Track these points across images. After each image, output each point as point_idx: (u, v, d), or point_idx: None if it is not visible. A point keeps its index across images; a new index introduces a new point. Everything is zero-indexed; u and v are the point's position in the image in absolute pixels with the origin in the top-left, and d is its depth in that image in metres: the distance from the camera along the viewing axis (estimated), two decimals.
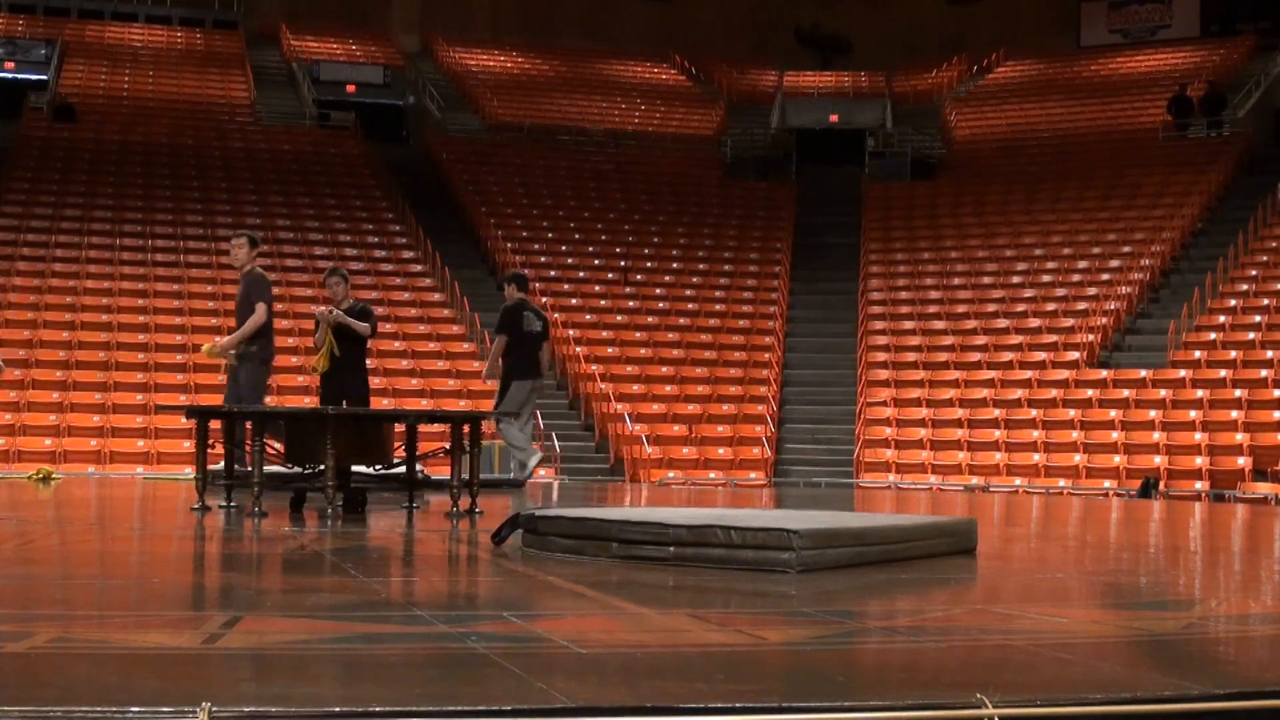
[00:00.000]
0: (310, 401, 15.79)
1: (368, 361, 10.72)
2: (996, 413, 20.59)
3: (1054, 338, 22.56)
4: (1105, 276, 24.29)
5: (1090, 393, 20.71)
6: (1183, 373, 20.78)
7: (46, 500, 9.12)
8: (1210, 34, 36.02)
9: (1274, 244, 24.29)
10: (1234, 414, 19.52)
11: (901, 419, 21.01)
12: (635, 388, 21.54)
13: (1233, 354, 21.14)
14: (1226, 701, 2.42)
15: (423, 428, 8.04)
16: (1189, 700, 2.41)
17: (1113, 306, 23.17)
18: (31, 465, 16.96)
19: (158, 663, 2.70)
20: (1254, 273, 23.57)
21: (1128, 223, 26.03)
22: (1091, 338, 22.13)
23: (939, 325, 23.75)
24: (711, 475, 19.41)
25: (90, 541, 6.33)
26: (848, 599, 4.04)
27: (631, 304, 24.38)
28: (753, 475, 19.68)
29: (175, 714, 2.12)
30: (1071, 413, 20.35)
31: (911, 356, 22.80)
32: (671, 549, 4.59)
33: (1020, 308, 23.87)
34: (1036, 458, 19.50)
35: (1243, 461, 18.61)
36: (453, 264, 24.42)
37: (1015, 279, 24.87)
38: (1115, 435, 19.59)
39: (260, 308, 9.26)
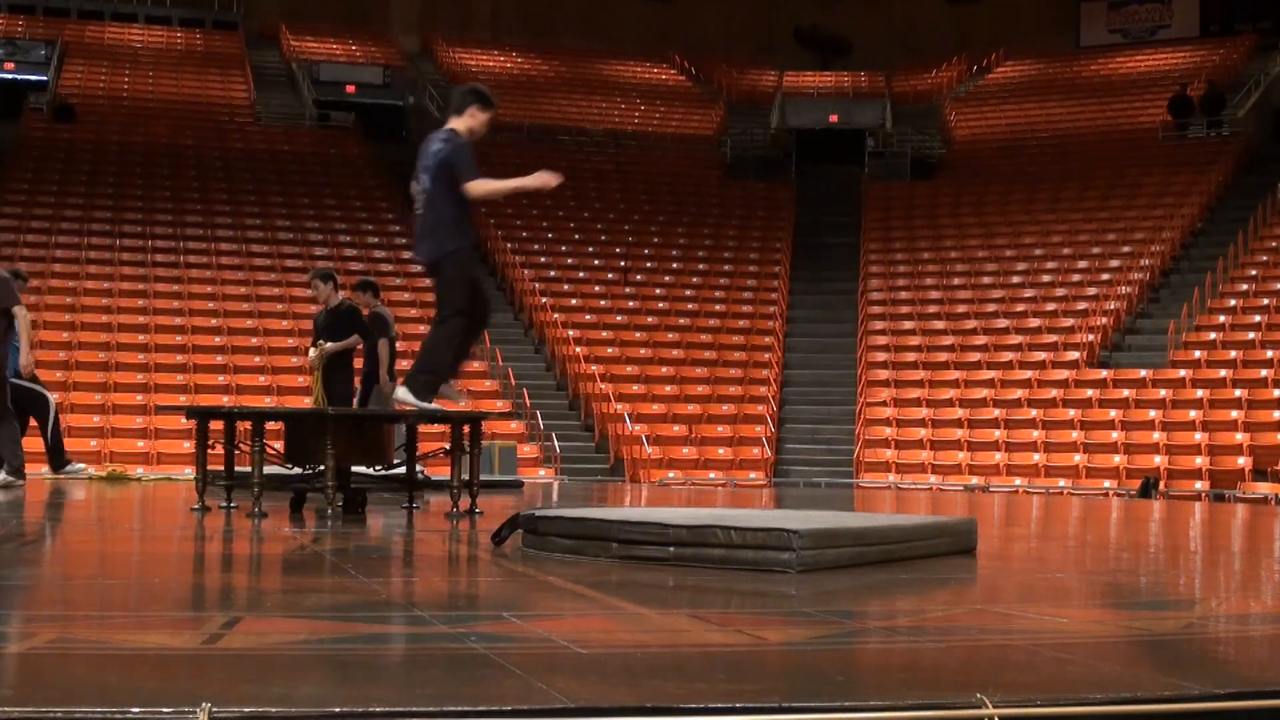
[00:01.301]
0: (308, 402, 15.79)
1: (355, 362, 10.82)
2: (996, 413, 20.59)
3: (1054, 338, 22.57)
4: (1105, 276, 24.30)
5: (1090, 393, 20.72)
6: (1183, 373, 20.78)
7: (46, 501, 9.12)
8: (1210, 34, 36.04)
9: (1274, 244, 24.30)
10: (1234, 414, 19.53)
11: (901, 419, 21.01)
12: (635, 388, 21.55)
13: (1233, 354, 21.14)
14: (1226, 701, 2.42)
15: (423, 428, 8.03)
16: (1189, 700, 2.41)
17: (1113, 306, 23.18)
18: (36, 466, 16.96)
19: (158, 663, 2.70)
20: (1254, 273, 23.58)
21: (1128, 223, 26.04)
22: (1091, 338, 22.14)
23: (939, 325, 23.76)
24: (711, 475, 19.42)
25: (90, 541, 6.33)
26: (848, 599, 4.04)
27: (631, 304, 24.39)
28: (753, 475, 19.68)
29: (175, 714, 2.12)
30: (1071, 413, 20.36)
31: (911, 356, 22.81)
32: (671, 549, 4.58)
33: (1020, 308, 23.88)
34: (1036, 458, 19.51)
35: (1243, 461, 18.62)
36: None
37: (1015, 279, 24.88)
38: (1115, 435, 19.60)
39: None
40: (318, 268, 11.27)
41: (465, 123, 7.50)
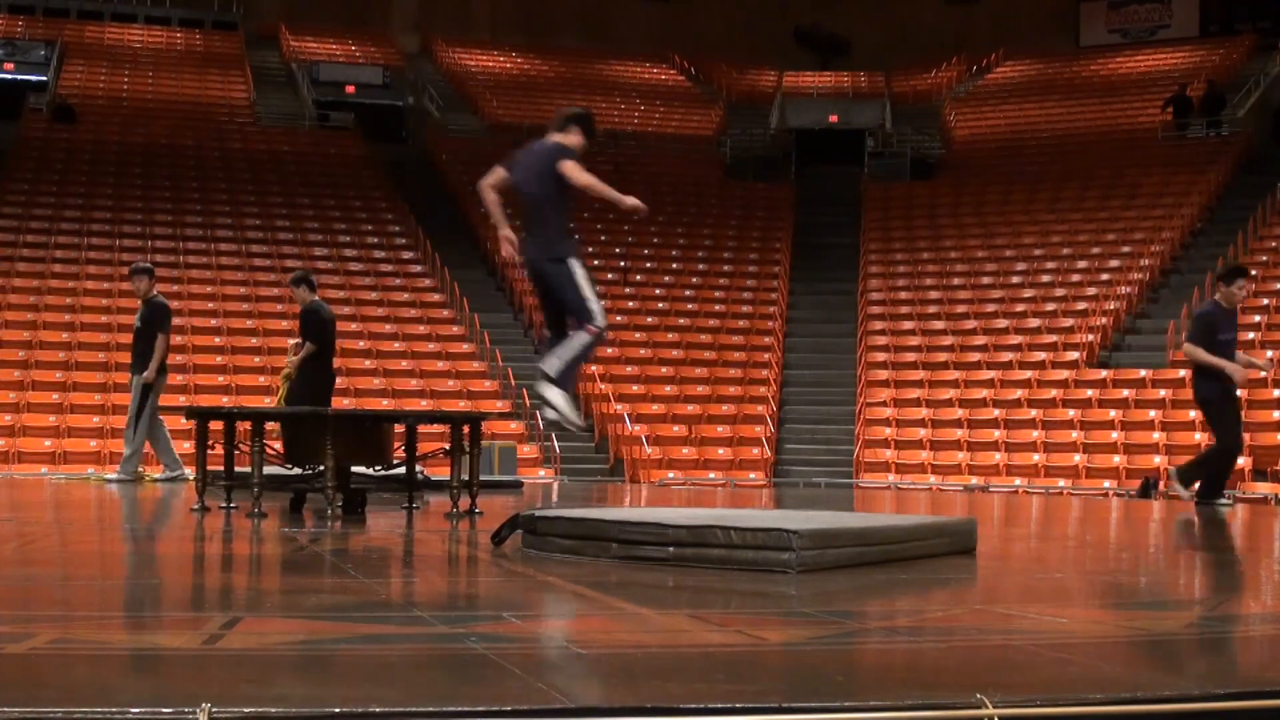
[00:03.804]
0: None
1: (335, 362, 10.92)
2: (996, 413, 20.59)
3: (1053, 338, 22.57)
4: (1105, 276, 24.30)
5: (1090, 393, 20.72)
6: (1182, 373, 20.74)
7: (46, 500, 9.12)
8: (1210, 34, 36.05)
9: (1274, 244, 24.30)
10: None
11: (901, 419, 21.01)
12: (635, 388, 21.54)
13: None
14: (1226, 701, 2.42)
15: (423, 428, 8.03)
16: (1189, 700, 2.41)
17: (1112, 306, 23.18)
18: (36, 466, 16.97)
19: (158, 663, 2.70)
20: (1254, 272, 23.55)
21: (1127, 223, 26.04)
22: (1091, 338, 22.14)
23: (938, 325, 23.76)
24: (711, 475, 19.42)
25: (90, 542, 6.33)
26: (848, 599, 4.04)
27: (631, 304, 24.38)
28: (752, 475, 19.68)
29: (175, 714, 2.12)
30: (1071, 413, 20.35)
31: (911, 356, 22.80)
32: (671, 549, 4.58)
33: (1020, 308, 23.88)
34: (1036, 458, 19.51)
35: (1242, 461, 18.62)
36: (452, 264, 24.42)
37: (1015, 279, 24.88)
38: (1115, 435, 19.60)
39: None
40: (296, 274, 11.37)
41: None
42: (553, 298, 6.80)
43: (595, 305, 6.72)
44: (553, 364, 6.57)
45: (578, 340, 6.65)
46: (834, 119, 31.87)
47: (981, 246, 26.24)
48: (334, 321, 11.31)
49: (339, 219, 25.98)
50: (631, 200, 6.70)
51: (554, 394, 6.57)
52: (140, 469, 12.22)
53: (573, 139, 6.88)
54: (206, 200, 25.76)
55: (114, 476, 11.76)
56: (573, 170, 6.63)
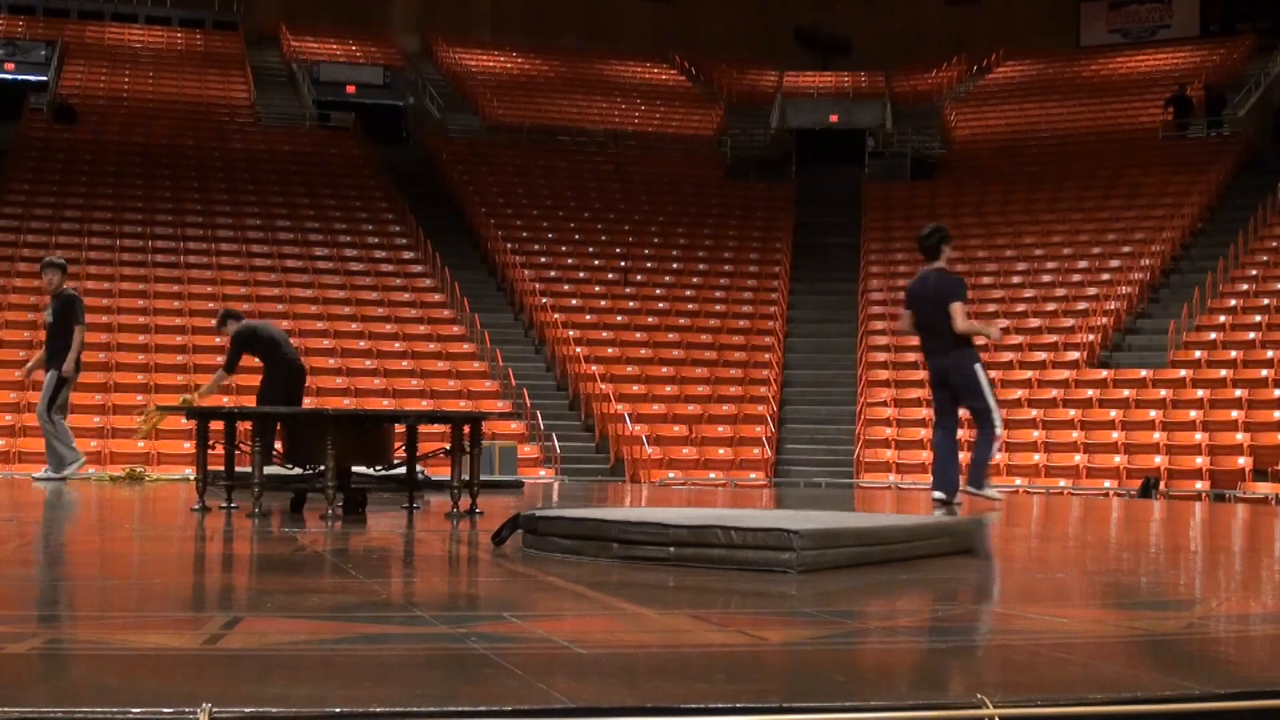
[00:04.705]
0: (309, 403, 15.76)
1: (276, 371, 10.84)
2: None
3: (1054, 338, 22.57)
4: (1105, 276, 24.31)
5: (1090, 393, 20.72)
6: (1183, 373, 20.78)
7: (46, 500, 9.12)
8: (1210, 34, 36.06)
9: (1274, 244, 24.30)
10: (1234, 414, 19.53)
11: (901, 419, 21.00)
12: (635, 388, 21.54)
13: (1233, 354, 21.14)
14: (1226, 701, 2.42)
15: (423, 428, 8.03)
16: (1189, 700, 2.41)
17: (1113, 306, 23.18)
18: (36, 466, 16.96)
19: (158, 663, 2.70)
20: (1254, 272, 23.58)
21: (1128, 223, 26.05)
22: (1091, 338, 22.14)
23: None
24: (712, 475, 19.41)
25: (90, 541, 6.33)
26: (848, 599, 4.04)
27: (631, 304, 24.38)
28: (753, 475, 19.68)
29: (175, 714, 2.12)
30: (1071, 413, 20.36)
31: (912, 356, 22.76)
32: (671, 549, 4.58)
33: (1020, 308, 23.88)
34: (1036, 458, 19.51)
35: (1243, 461, 18.61)
36: (453, 264, 24.42)
37: (1015, 279, 24.88)
38: (1115, 435, 19.60)
39: None
40: (220, 311, 11.41)
41: None
42: (949, 394, 8.81)
43: (997, 413, 8.75)
44: (974, 481, 8.90)
45: (983, 453, 8.82)
46: (834, 119, 31.88)
47: (982, 246, 26.24)
48: (270, 336, 10.91)
49: (339, 219, 25.98)
50: (997, 329, 9.28)
51: (985, 491, 8.84)
52: (141, 468, 12.20)
53: (947, 254, 8.87)
54: (207, 200, 25.76)
55: (41, 475, 11.75)
56: (958, 315, 8.56)
